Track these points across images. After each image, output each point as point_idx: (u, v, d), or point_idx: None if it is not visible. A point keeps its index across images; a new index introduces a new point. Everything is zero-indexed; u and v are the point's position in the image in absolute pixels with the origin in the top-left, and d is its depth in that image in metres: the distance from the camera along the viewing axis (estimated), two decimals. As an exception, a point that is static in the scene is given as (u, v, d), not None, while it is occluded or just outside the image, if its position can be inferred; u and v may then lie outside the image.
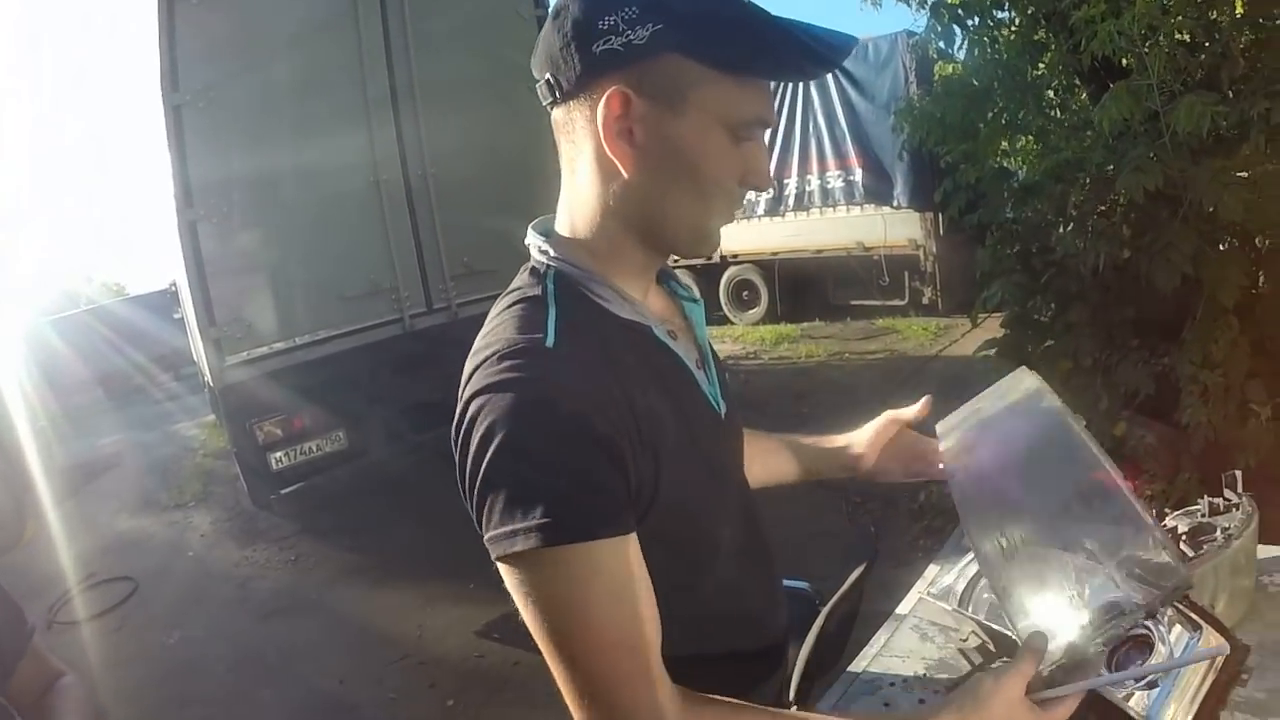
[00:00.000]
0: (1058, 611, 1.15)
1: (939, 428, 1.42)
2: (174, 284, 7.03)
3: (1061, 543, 1.21)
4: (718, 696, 1.02)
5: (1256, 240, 3.91)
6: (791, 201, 11.12)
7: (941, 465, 1.42)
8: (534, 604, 0.90)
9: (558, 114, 1.02)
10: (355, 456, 6.27)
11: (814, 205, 11.01)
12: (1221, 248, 3.86)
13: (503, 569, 0.91)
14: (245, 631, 5.00)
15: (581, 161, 1.02)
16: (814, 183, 10.90)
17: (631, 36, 0.91)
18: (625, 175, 0.98)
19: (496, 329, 0.99)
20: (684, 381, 1.10)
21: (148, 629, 5.15)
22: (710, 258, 11.07)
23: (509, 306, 1.02)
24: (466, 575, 5.06)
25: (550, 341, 0.93)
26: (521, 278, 1.08)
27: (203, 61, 5.06)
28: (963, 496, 1.29)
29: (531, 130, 6.56)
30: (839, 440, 1.58)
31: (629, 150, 0.96)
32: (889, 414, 1.55)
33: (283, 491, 6.05)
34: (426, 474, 6.52)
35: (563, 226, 1.09)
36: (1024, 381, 1.42)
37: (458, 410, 0.95)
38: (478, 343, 1.00)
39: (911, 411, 1.53)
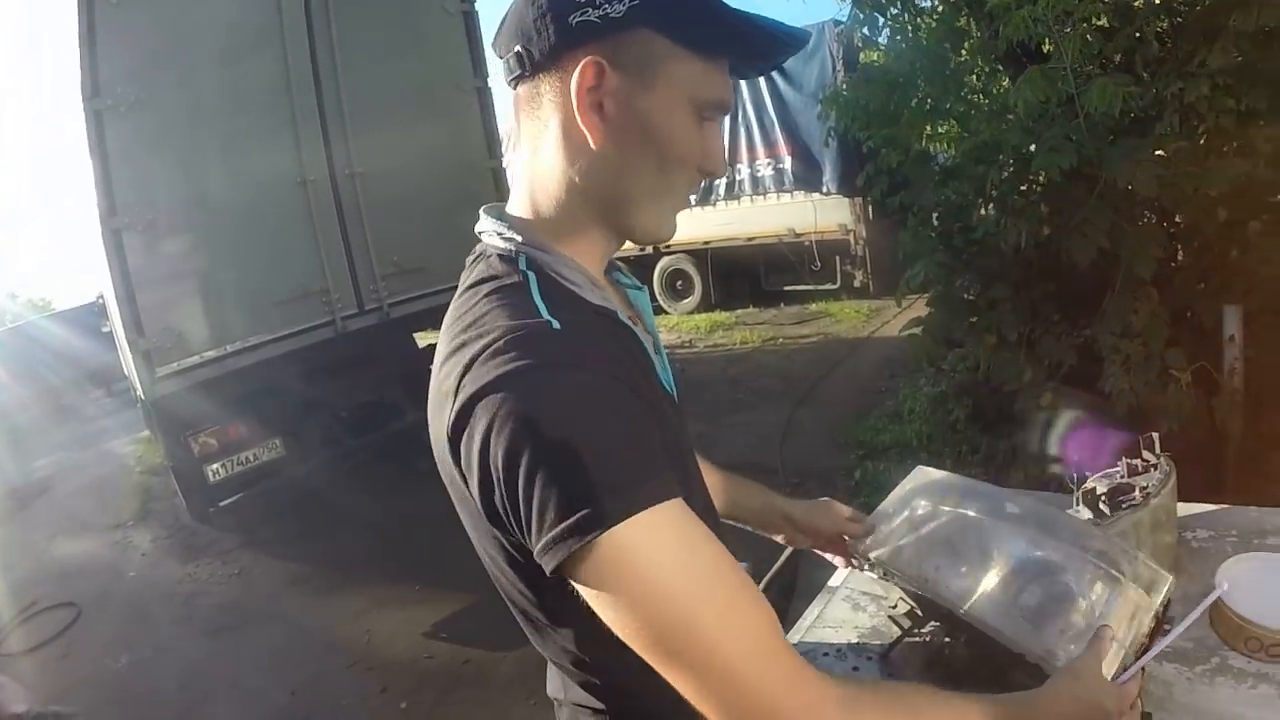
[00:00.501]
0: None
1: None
2: (101, 296, 6.85)
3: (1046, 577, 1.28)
4: (868, 680, 1.04)
5: (1176, 216, 4.05)
6: (722, 190, 11.21)
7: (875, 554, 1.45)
8: (627, 599, 0.82)
9: (523, 89, 1.01)
10: (293, 464, 6.18)
11: (745, 194, 11.12)
12: (1140, 224, 3.99)
13: (578, 580, 0.84)
14: (194, 649, 4.92)
15: (548, 136, 1.00)
16: (744, 171, 11.00)
17: (608, 10, 0.92)
18: (593, 147, 0.97)
19: (483, 319, 0.93)
20: (647, 366, 1.07)
21: (95, 654, 5.03)
22: (644, 249, 11.12)
23: (488, 294, 0.97)
24: (411, 577, 5.08)
25: (557, 325, 0.90)
26: (490, 265, 1.03)
27: (124, 65, 4.92)
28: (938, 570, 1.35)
29: (457, 126, 6.57)
30: (778, 500, 1.54)
31: (598, 122, 0.96)
32: (840, 510, 1.53)
33: (222, 504, 5.93)
34: (365, 478, 6.50)
35: (521, 208, 1.07)
36: (930, 474, 1.52)
37: (454, 414, 0.88)
38: (459, 337, 0.94)
39: (851, 520, 1.51)
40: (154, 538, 6.86)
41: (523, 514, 0.83)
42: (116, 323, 5.57)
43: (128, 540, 6.91)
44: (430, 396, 0.98)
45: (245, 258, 5.58)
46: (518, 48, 0.97)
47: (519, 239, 1.02)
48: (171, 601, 5.62)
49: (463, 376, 0.88)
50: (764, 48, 1.02)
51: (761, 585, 1.37)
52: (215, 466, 5.72)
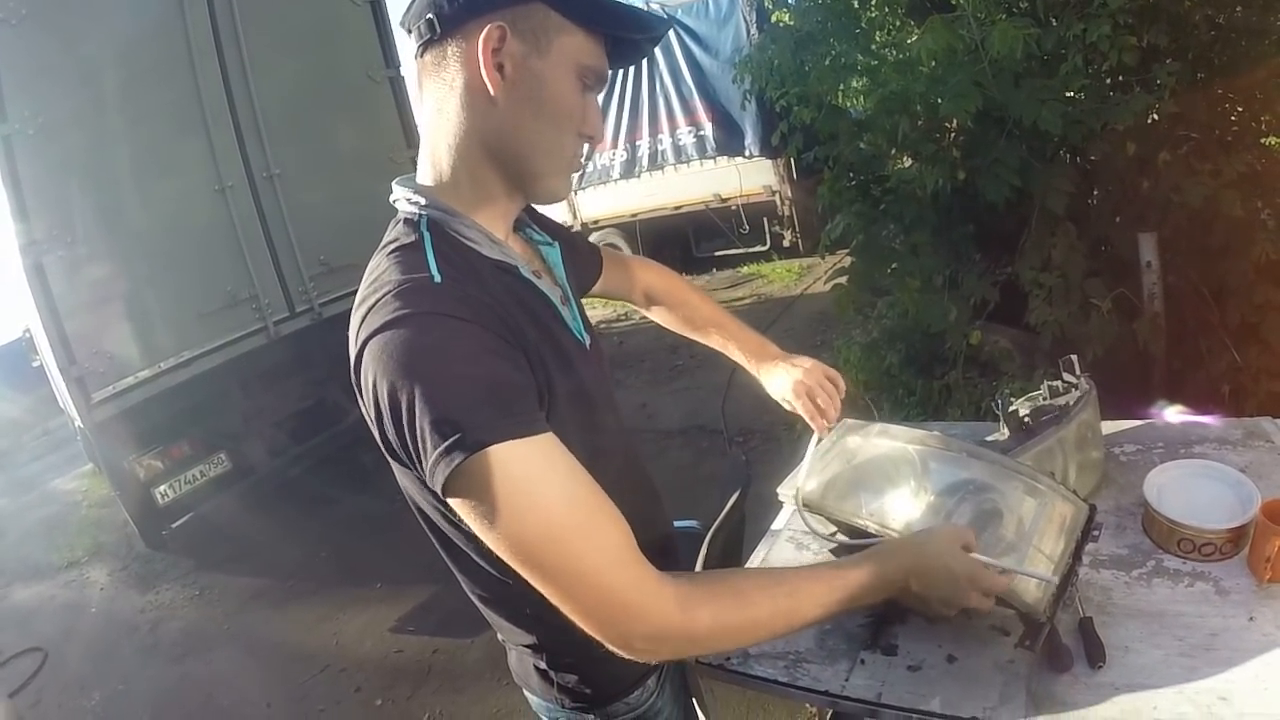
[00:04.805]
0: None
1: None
2: (28, 330, 6.64)
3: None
4: (702, 573, 1.18)
5: (1091, 154, 4.16)
6: (645, 162, 11.14)
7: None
8: (498, 515, 0.93)
9: (430, 56, 1.11)
10: (241, 477, 6.10)
11: (668, 163, 11.05)
12: (1051, 161, 4.09)
13: (454, 497, 0.95)
14: (164, 676, 4.84)
15: (452, 96, 1.11)
16: (666, 141, 10.92)
17: None
18: (496, 104, 1.09)
19: (380, 276, 1.06)
20: (552, 316, 1.21)
21: (66, 696, 4.91)
22: (570, 226, 11.07)
23: (389, 255, 1.10)
24: (371, 576, 5.07)
25: (438, 279, 1.03)
26: (395, 230, 1.16)
27: (30, 87, 4.76)
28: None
29: (372, 118, 6.47)
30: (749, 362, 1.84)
31: (500, 80, 1.08)
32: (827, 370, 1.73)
33: (173, 525, 5.83)
34: (314, 482, 6.42)
35: (426, 174, 1.18)
36: (855, 424, 1.65)
37: (353, 358, 1.02)
38: (361, 293, 1.08)
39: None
40: (110, 570, 6.68)
41: (409, 445, 0.96)
42: (46, 353, 5.39)
43: (85, 577, 6.72)
44: None
45: (170, 271, 5.46)
46: (429, 15, 1.08)
47: (423, 202, 1.15)
48: (136, 632, 5.50)
49: (359, 327, 1.02)
50: (633, 26, 1.14)
51: (708, 537, 1.45)
52: (163, 488, 5.62)
